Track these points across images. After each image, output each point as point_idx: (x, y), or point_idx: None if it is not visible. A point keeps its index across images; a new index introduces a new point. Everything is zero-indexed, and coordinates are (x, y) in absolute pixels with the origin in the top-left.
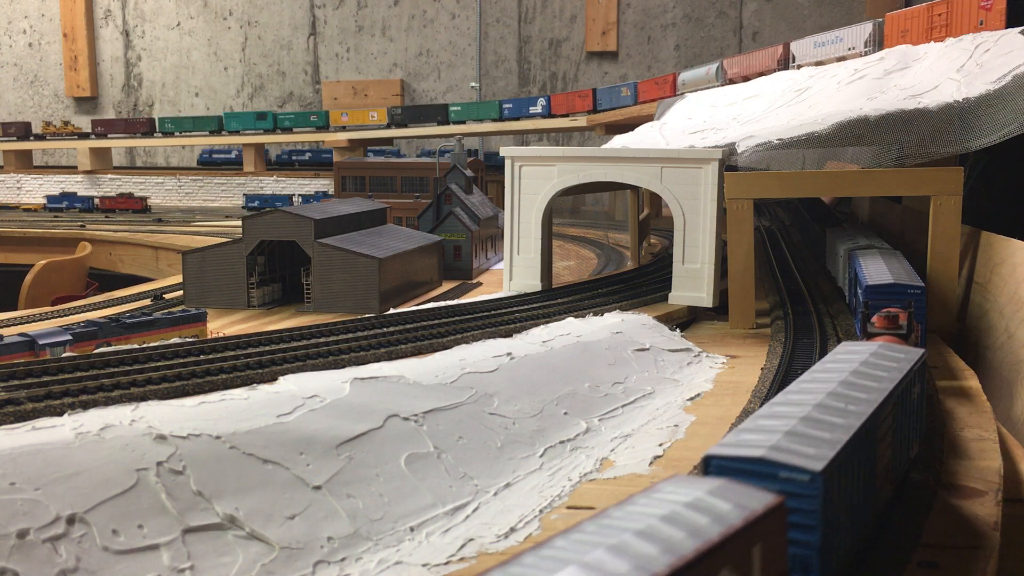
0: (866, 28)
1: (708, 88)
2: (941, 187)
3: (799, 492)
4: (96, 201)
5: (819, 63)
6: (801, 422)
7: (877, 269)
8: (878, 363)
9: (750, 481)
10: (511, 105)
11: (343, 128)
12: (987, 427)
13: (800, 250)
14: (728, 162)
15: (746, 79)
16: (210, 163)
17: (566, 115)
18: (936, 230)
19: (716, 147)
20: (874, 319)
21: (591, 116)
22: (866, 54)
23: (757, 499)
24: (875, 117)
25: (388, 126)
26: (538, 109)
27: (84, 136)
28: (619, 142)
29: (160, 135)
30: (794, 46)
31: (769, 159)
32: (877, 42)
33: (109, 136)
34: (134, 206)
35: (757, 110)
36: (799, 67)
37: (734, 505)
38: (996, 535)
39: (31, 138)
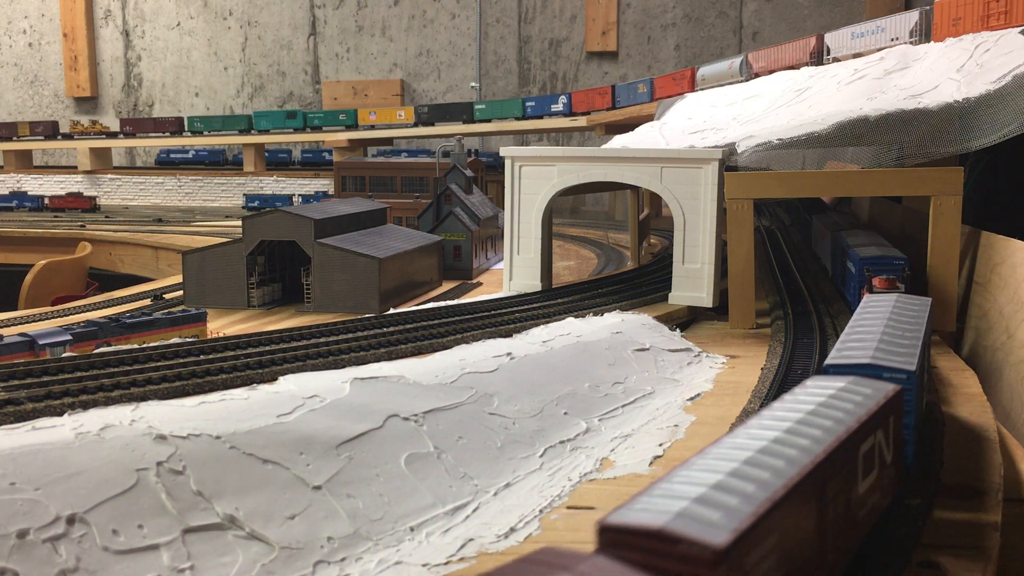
0: (911, 17)
1: (731, 83)
2: (941, 187)
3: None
4: (46, 201)
5: (857, 55)
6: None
7: (866, 245)
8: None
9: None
10: (534, 103)
11: (372, 127)
12: (987, 427)
13: (800, 250)
14: (728, 162)
15: (772, 72)
16: (168, 163)
17: (586, 112)
18: (936, 230)
19: (716, 147)
20: (875, 282)
21: (591, 117)
22: (913, 44)
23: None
24: (875, 117)
25: (416, 124)
26: (559, 107)
27: (113, 135)
28: (619, 142)
29: (189, 134)
30: (829, 37)
31: (769, 159)
32: (924, 32)
33: (138, 135)
34: (83, 205)
35: (757, 110)
36: (834, 60)
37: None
38: (996, 535)
39: (59, 137)
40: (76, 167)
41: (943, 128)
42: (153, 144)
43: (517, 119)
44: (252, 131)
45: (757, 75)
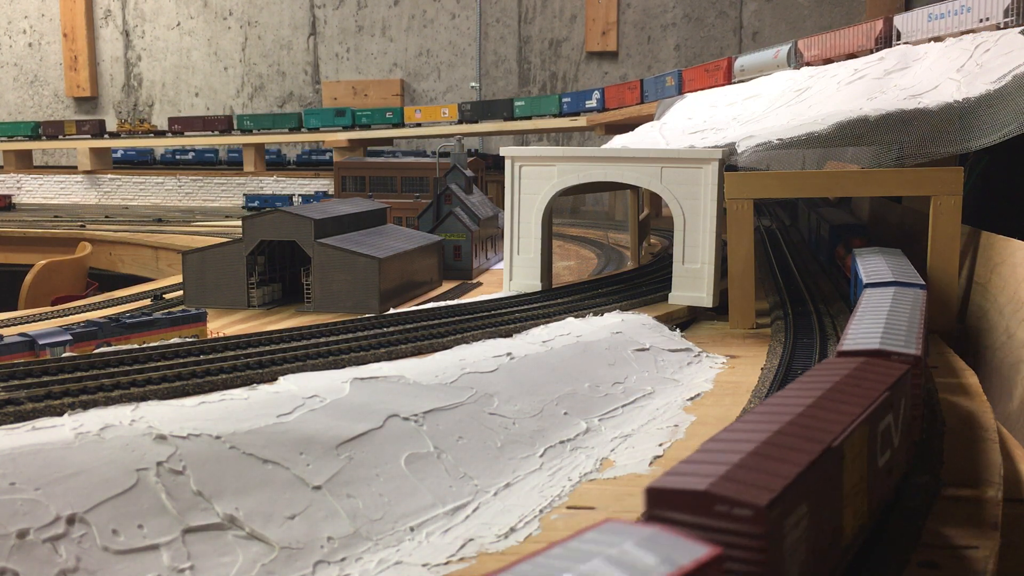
0: None
1: (775, 73)
2: (941, 187)
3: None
4: None
5: (936, 39)
6: None
7: (838, 216)
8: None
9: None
10: (569, 99)
11: (418, 124)
12: (987, 427)
13: (800, 250)
14: (728, 162)
15: (828, 62)
16: (122, 161)
17: (618, 107)
18: (936, 230)
19: (716, 147)
20: (853, 241)
21: (591, 117)
22: (1005, 26)
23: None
24: (875, 117)
25: (459, 122)
26: (593, 103)
27: (160, 134)
28: (619, 142)
29: (238, 132)
30: (899, 20)
31: (769, 159)
32: (1020, 12)
33: (186, 134)
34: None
35: (757, 110)
36: (906, 44)
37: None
38: (996, 535)
39: (105, 136)
40: (76, 167)
41: (943, 128)
42: (203, 143)
43: (554, 116)
44: (303, 129)
45: (808, 64)
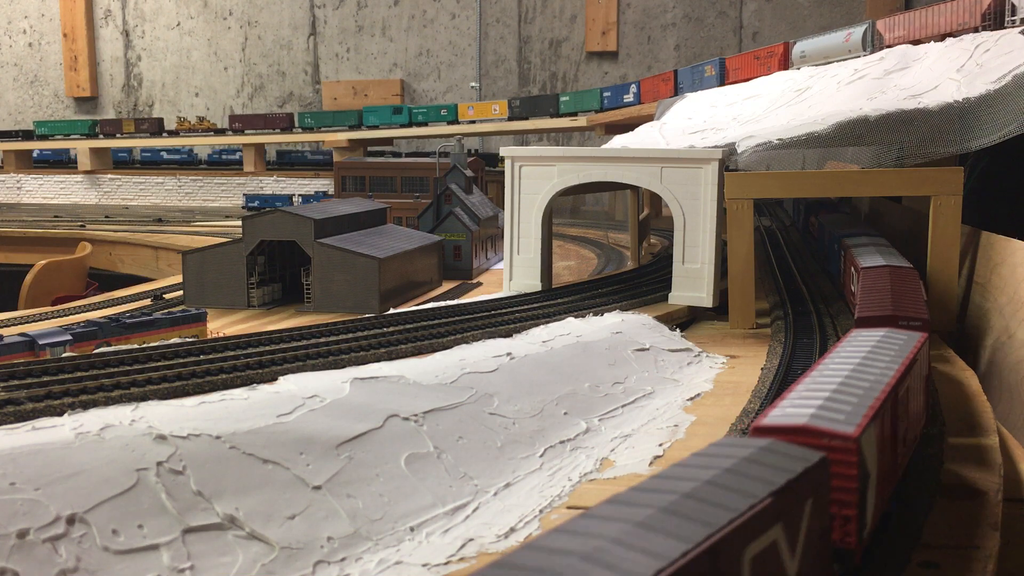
0: None
1: (844, 60)
2: (941, 187)
3: None
4: None
5: None
6: None
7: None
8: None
9: None
10: (610, 93)
11: (472, 121)
12: (987, 427)
13: (800, 250)
14: (728, 162)
15: (916, 43)
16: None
17: (652, 101)
18: (936, 230)
19: (716, 147)
20: (820, 212)
21: (591, 117)
22: None
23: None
24: (875, 117)
25: (509, 119)
26: (631, 97)
27: (220, 132)
28: (619, 142)
29: (299, 130)
30: None
31: (769, 159)
32: None
33: (246, 132)
34: None
35: (757, 110)
36: (1022, 21)
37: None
38: (996, 535)
39: (164, 134)
40: (76, 167)
41: (943, 128)
42: (262, 141)
43: (596, 112)
44: (363, 127)
45: (890, 46)
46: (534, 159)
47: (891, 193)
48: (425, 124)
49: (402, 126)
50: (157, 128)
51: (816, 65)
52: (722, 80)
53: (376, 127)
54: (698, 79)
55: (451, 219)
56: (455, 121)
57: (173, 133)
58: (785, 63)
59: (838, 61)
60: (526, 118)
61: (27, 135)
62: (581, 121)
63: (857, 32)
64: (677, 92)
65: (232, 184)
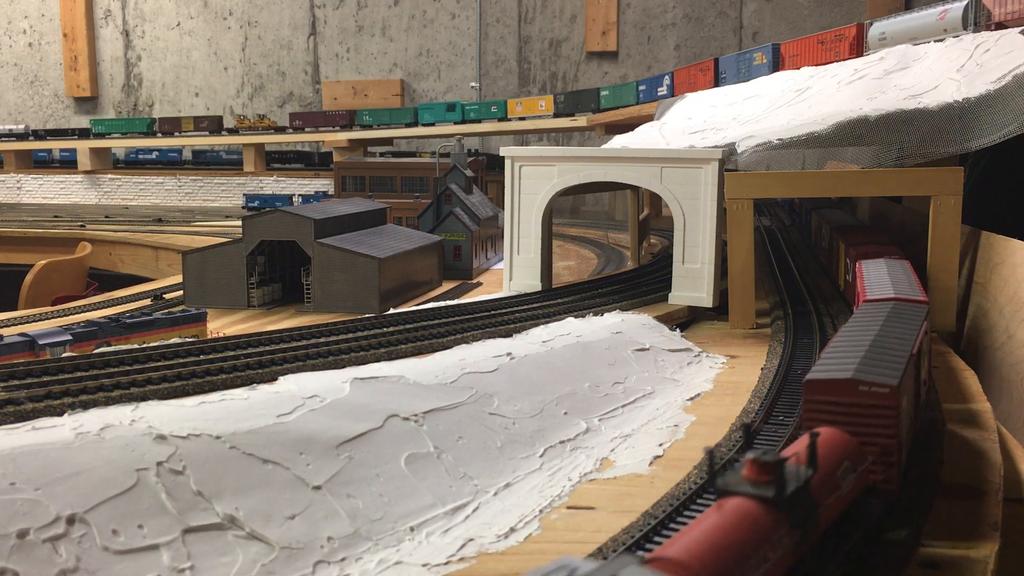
0: None
1: (935, 41)
2: (941, 187)
3: None
4: None
5: None
6: None
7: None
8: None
9: None
10: (645, 87)
11: (521, 118)
12: (987, 427)
13: (800, 250)
14: (728, 162)
15: None
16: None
17: (687, 92)
18: (936, 230)
19: (716, 147)
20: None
21: (592, 117)
22: None
23: None
24: (875, 117)
25: (555, 115)
26: (664, 89)
27: (281, 130)
28: (619, 142)
29: (359, 127)
30: None
31: (769, 159)
32: None
33: (306, 130)
34: None
35: (757, 110)
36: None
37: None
38: (996, 535)
39: (223, 132)
40: (76, 167)
41: (943, 128)
42: (318, 139)
43: (631, 106)
44: (419, 124)
45: (1002, 24)
46: (534, 159)
47: (891, 193)
48: (478, 121)
49: (455, 123)
50: (216, 126)
51: (902, 44)
52: (775, 68)
53: (431, 124)
54: (745, 68)
55: (451, 219)
56: (504, 118)
57: (233, 131)
58: (859, 47)
59: (926, 41)
60: (571, 114)
61: (82, 133)
62: (581, 121)
63: (955, 9)
64: (718, 83)
65: (232, 184)
